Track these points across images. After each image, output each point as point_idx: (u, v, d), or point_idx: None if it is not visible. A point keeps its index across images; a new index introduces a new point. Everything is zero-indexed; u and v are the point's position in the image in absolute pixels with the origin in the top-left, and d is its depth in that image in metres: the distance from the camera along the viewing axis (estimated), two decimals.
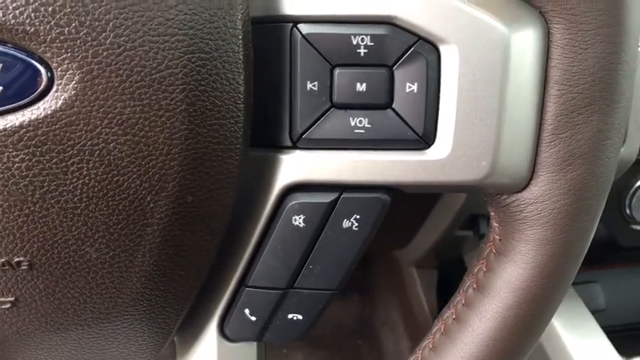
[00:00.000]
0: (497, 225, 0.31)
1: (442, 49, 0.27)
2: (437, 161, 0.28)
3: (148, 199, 0.26)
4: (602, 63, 0.26)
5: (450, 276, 1.01)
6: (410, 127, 0.28)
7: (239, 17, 0.26)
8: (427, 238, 0.90)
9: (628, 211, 0.68)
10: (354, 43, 0.27)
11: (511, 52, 0.26)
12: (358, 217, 0.29)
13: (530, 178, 0.28)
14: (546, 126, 0.27)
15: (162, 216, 0.27)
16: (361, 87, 0.27)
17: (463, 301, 0.31)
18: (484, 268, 0.31)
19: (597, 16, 0.26)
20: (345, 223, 0.29)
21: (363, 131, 0.28)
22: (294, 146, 0.29)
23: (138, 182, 0.26)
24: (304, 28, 0.28)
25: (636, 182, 0.67)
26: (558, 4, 0.26)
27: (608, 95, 0.27)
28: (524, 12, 0.27)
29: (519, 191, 0.29)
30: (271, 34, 0.28)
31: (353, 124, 0.28)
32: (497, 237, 0.31)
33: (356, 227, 0.29)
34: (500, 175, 0.28)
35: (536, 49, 0.27)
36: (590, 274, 0.83)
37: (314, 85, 0.28)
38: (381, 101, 0.28)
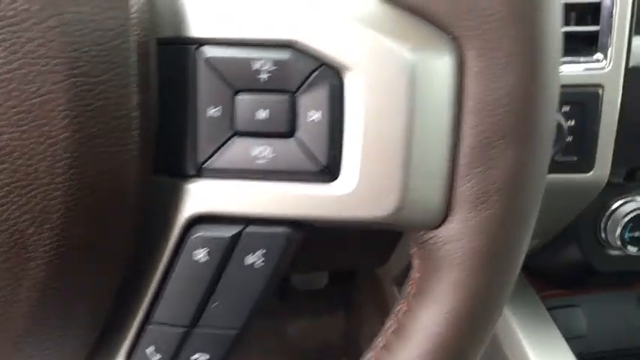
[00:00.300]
0: (418, 262, 0.29)
1: (345, 75, 0.25)
2: (342, 196, 0.26)
3: (30, 231, 0.25)
4: (516, 93, 0.24)
5: None
6: (313, 158, 0.26)
7: (133, 39, 0.25)
8: (403, 256, 0.88)
9: (603, 235, 0.65)
10: (256, 67, 0.25)
11: (419, 79, 0.25)
12: (263, 252, 0.27)
13: (447, 215, 0.26)
14: (461, 159, 0.25)
15: (47, 249, 0.25)
16: (263, 114, 0.26)
17: (383, 343, 0.29)
18: (405, 308, 0.29)
19: (509, 43, 0.24)
20: (249, 259, 0.27)
21: (265, 161, 0.26)
22: (198, 175, 0.27)
23: (18, 213, 0.24)
24: (207, 51, 0.26)
25: (611, 205, 0.65)
26: (469, 30, 0.24)
27: (524, 127, 0.25)
28: (434, 37, 0.25)
29: (436, 227, 0.27)
30: (176, 56, 0.27)
31: (255, 153, 0.26)
32: (418, 275, 0.29)
33: (260, 263, 0.27)
34: (412, 211, 0.26)
35: (447, 76, 0.25)
36: (571, 299, 0.81)
37: (216, 111, 0.26)
38: (284, 129, 0.26)
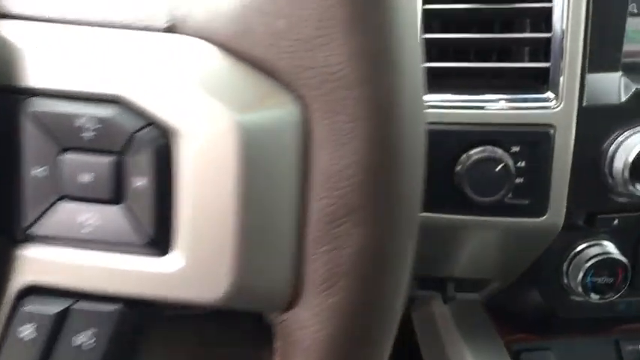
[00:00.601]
0: (279, 343, 0.25)
1: (173, 139, 0.22)
2: (171, 274, 0.23)
3: None
4: (362, 163, 0.21)
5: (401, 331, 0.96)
6: (141, 230, 0.23)
7: None
8: None
9: (565, 281, 0.61)
10: (79, 124, 0.22)
11: (256, 146, 0.21)
12: (94, 332, 0.24)
13: (295, 299, 0.23)
14: (307, 237, 0.22)
15: None
16: (87, 177, 0.23)
17: None
18: None
19: (354, 106, 0.21)
20: (78, 339, 0.24)
21: (90, 230, 0.23)
22: (27, 240, 0.24)
23: None
24: (35, 103, 0.23)
25: (574, 249, 0.61)
26: (312, 89, 0.21)
27: (373, 203, 0.21)
28: (279, 98, 0.22)
29: (287, 311, 0.23)
30: (5, 106, 0.24)
31: (81, 220, 0.23)
32: (278, 359, 0.25)
33: (91, 344, 0.24)
34: (253, 295, 0.23)
35: (292, 142, 0.22)
36: (542, 342, 0.77)
37: (41, 171, 0.23)
38: (109, 196, 0.23)
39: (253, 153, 0.21)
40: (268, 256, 0.22)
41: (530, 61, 0.52)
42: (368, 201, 0.21)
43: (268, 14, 0.21)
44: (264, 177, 0.22)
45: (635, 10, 0.51)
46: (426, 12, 0.50)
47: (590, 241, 0.60)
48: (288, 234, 0.22)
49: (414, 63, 0.22)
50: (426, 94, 0.50)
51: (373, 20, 0.20)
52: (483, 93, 0.51)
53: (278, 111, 0.22)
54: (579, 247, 0.60)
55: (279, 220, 0.22)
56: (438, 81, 0.51)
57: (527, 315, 0.71)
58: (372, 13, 0.20)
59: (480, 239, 0.58)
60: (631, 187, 0.50)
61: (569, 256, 0.61)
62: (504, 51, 0.53)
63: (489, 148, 0.50)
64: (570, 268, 0.61)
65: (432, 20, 0.51)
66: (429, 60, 0.50)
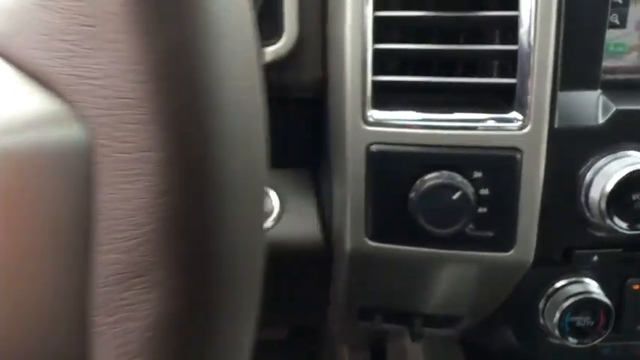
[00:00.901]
0: None
1: None
2: None
3: None
4: (155, 209, 0.15)
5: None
6: None
7: None
8: (344, 317, 0.79)
9: (542, 321, 0.55)
10: None
11: (16, 177, 0.16)
12: None
13: None
14: (91, 303, 0.17)
15: None
16: None
17: None
18: None
19: (144, 132, 0.15)
20: None
21: None
22: None
23: None
24: None
25: (552, 285, 0.54)
26: (93, 106, 0.16)
27: (172, 260, 0.16)
28: (54, 116, 0.17)
29: None
30: None
31: None
32: None
33: None
34: None
35: (68, 175, 0.16)
36: None
37: None
38: None
39: (15, 187, 0.16)
40: (40, 329, 0.17)
41: (499, 76, 0.46)
42: (165, 257, 0.16)
43: (45, 8, 0.16)
44: (32, 219, 0.16)
45: (617, 21, 0.45)
46: (378, 19, 0.44)
47: (570, 277, 0.54)
48: (65, 299, 0.17)
49: (237, 75, 0.16)
50: (377, 110, 0.45)
51: (171, 15, 0.15)
52: (443, 111, 0.45)
53: (55, 134, 0.16)
54: (558, 284, 0.54)
55: (51, 280, 0.17)
56: (392, 97, 0.45)
57: (504, 355, 0.65)
58: (169, 6, 0.15)
59: (445, 274, 0.52)
60: (608, 221, 0.44)
61: (547, 294, 0.54)
62: (471, 65, 0.47)
63: (446, 173, 0.44)
64: (547, 307, 0.54)
65: (387, 29, 0.46)
66: (382, 73, 0.45)
